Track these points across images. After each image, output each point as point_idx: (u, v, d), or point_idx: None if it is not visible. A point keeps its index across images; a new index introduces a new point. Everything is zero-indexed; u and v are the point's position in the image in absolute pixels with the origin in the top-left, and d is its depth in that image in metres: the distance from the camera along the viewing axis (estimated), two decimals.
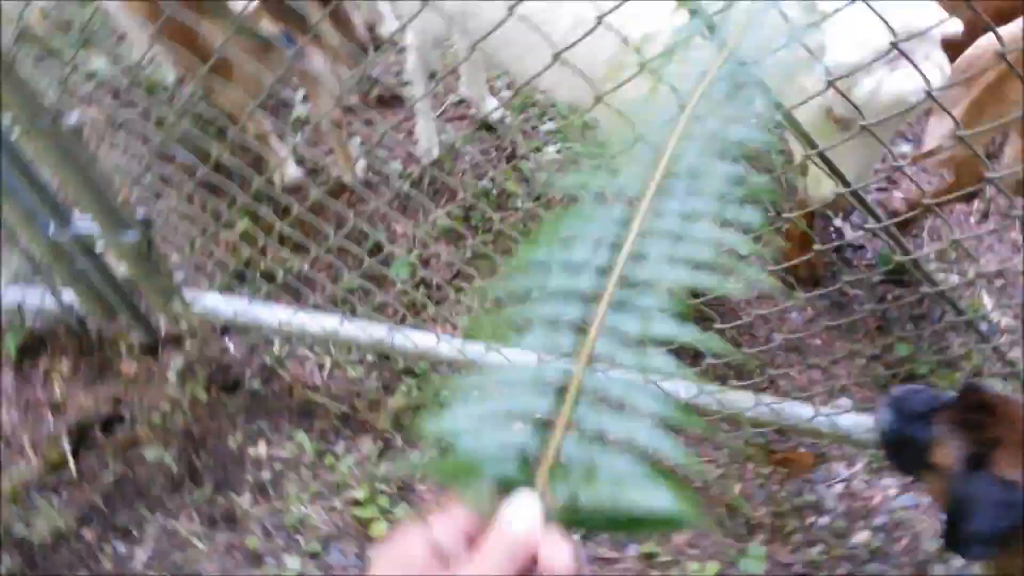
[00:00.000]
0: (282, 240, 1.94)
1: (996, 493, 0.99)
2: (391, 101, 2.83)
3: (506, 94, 2.81)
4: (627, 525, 0.44)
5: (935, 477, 1.12)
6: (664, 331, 0.49)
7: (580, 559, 0.43)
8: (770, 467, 1.85)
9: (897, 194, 2.34)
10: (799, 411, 1.61)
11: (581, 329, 0.48)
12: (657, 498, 0.42)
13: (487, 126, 2.69)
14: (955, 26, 1.25)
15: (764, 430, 1.79)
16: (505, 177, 2.48)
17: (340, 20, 1.80)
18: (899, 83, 1.15)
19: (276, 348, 2.15)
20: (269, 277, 2.11)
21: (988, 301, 2.11)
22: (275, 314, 1.89)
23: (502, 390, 0.48)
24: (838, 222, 2.31)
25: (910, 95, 1.20)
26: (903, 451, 1.17)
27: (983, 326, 2.02)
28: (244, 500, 1.96)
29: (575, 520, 0.43)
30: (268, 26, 1.83)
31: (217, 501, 1.97)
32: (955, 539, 1.02)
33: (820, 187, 1.56)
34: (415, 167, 2.54)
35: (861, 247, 2.24)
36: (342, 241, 1.70)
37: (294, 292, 2.02)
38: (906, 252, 1.38)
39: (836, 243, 2.23)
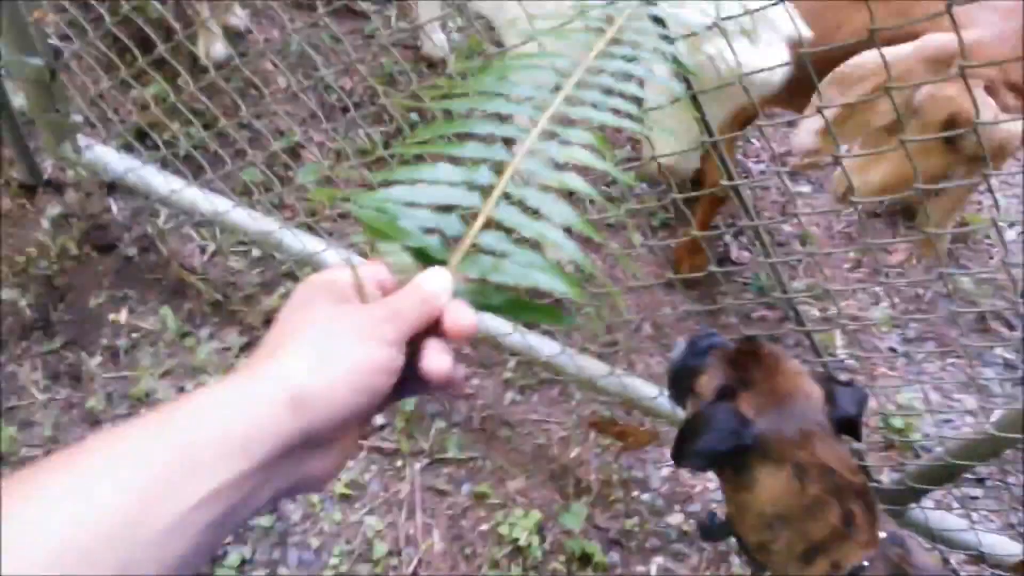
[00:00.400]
0: (195, 112, 1.90)
1: (727, 421, 1.09)
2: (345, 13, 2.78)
3: (456, 37, 2.82)
4: (522, 308, 0.53)
5: (693, 403, 1.23)
6: (578, 156, 0.58)
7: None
8: (609, 439, 1.95)
9: (788, 228, 2.48)
10: (645, 390, 1.70)
11: (510, 145, 0.58)
12: (553, 283, 0.52)
13: (431, 63, 2.69)
14: (805, 32, 1.31)
15: (610, 401, 1.88)
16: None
17: None
18: (742, 55, 1.16)
19: (161, 220, 2.11)
20: (173, 146, 2.06)
21: (840, 340, 2.27)
22: (168, 182, 1.86)
23: (436, 185, 0.55)
24: (728, 238, 2.43)
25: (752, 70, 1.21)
26: (681, 380, 1.27)
27: (829, 360, 2.18)
28: (94, 361, 1.92)
29: (480, 301, 0.52)
30: None
31: (66, 357, 1.93)
32: (680, 451, 1.12)
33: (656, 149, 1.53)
34: (353, 81, 2.52)
35: (744, 264, 2.37)
36: (256, 128, 1.68)
37: (196, 168, 1.98)
38: (784, 290, 1.49)
39: (727, 268, 2.36)
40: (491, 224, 0.54)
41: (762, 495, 1.10)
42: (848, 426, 1.15)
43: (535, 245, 0.55)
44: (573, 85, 0.63)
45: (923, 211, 1.63)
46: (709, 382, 1.20)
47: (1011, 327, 2.45)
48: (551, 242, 0.54)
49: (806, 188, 2.64)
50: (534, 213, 0.55)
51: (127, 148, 2.05)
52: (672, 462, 1.22)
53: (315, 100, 2.44)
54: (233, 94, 1.97)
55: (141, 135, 2.12)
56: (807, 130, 1.62)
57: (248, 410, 0.42)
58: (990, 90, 1.42)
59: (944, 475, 1.54)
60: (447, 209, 0.54)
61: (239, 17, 2.46)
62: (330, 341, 0.46)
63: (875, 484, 1.63)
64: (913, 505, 1.65)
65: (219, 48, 2.39)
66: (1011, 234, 2.67)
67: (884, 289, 2.44)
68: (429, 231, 0.53)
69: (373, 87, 2.49)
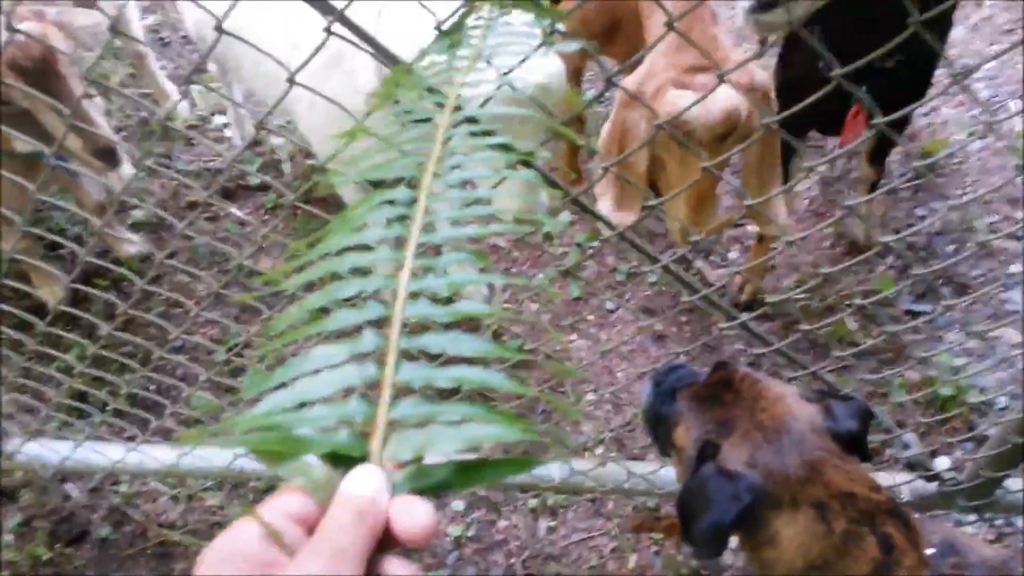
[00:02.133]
0: (124, 359, 1.77)
1: (720, 490, 0.93)
2: (238, 192, 2.69)
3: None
4: (478, 470, 0.41)
5: (678, 460, 1.07)
6: (467, 278, 0.51)
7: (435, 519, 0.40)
8: (661, 534, 1.77)
9: (751, 228, 2.34)
10: (670, 475, 1.53)
11: (386, 301, 0.49)
12: (495, 432, 0.42)
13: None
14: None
15: (645, 494, 1.71)
16: None
17: (81, 129, 1.70)
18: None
19: (124, 487, 1.95)
20: (115, 397, 1.92)
21: (853, 325, 2.11)
22: (107, 454, 1.71)
23: (321, 372, 0.45)
24: (699, 263, 2.29)
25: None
26: (656, 430, 1.12)
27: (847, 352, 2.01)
28: None
29: (425, 484, 0.41)
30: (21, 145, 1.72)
31: None
32: (689, 538, 0.96)
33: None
34: (272, 259, 2.41)
35: (723, 286, 2.22)
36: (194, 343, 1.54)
37: (142, 420, 1.84)
38: (767, 344, 1.35)
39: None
40: (400, 390, 0.44)
41: (787, 548, 0.93)
42: (852, 443, 1.00)
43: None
44: (423, 213, 0.54)
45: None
46: (687, 433, 1.04)
47: (1017, 237, 2.29)
48: (474, 382, 0.45)
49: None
50: (440, 358, 0.47)
51: (65, 425, 1.91)
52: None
53: (240, 291, 2.32)
54: (156, 321, 1.84)
55: (77, 405, 1.98)
56: (607, 207, 1.72)
57: None
58: (679, 83, 1.56)
59: (1018, 455, 1.36)
60: (344, 394, 0.44)
61: (135, 242, 2.35)
62: None
63: (955, 483, 1.45)
64: (1000, 491, 1.47)
65: (133, 246, 2.31)
66: (975, 145, 2.54)
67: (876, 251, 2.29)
68: (332, 429, 0.43)
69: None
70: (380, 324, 0.47)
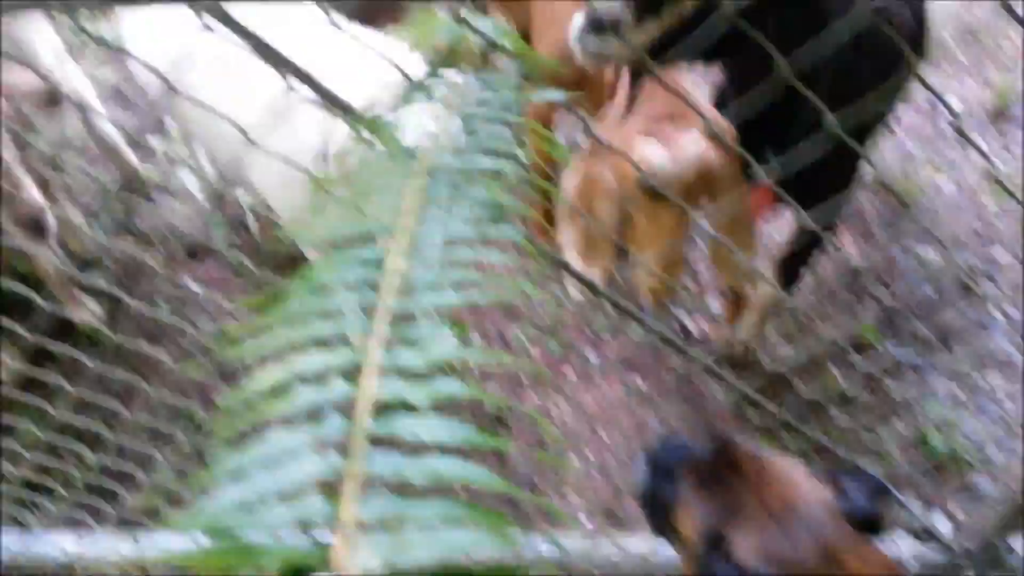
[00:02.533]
0: (80, 436, 1.66)
1: None
2: (201, 255, 2.59)
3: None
4: None
5: (682, 547, 1.00)
6: (446, 351, 0.45)
7: None
8: None
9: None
10: (668, 553, 1.45)
11: (353, 376, 0.43)
12: (478, 536, 0.37)
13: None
14: None
15: None
16: None
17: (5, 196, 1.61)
18: None
19: None
20: (70, 487, 1.80)
21: (835, 372, 2.07)
22: (58, 545, 1.59)
23: (280, 462, 0.40)
24: (684, 318, 2.24)
25: None
26: (655, 512, 1.04)
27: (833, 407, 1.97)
28: None
29: None
30: None
31: None
32: None
33: None
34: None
35: (706, 340, 2.16)
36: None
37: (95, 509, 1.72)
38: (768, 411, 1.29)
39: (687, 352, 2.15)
40: (367, 484, 0.39)
41: None
42: (867, 522, 0.94)
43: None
44: (395, 275, 0.49)
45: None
46: (689, 520, 0.97)
47: (991, 278, 2.28)
48: (455, 478, 0.39)
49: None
50: (412, 448, 0.40)
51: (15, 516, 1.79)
52: None
53: (210, 362, 2.21)
54: (113, 401, 1.73)
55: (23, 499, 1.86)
56: (574, 261, 1.66)
57: None
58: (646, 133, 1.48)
59: None
60: (300, 490, 0.39)
61: (93, 311, 2.24)
62: None
63: (965, 552, 1.39)
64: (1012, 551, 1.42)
65: (90, 311, 2.19)
66: (944, 183, 2.53)
67: (854, 295, 2.26)
68: (290, 532, 0.37)
69: None
70: (346, 405, 0.42)
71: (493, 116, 0.63)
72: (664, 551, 1.48)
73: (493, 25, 0.66)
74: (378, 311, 0.46)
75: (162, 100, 2.06)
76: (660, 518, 1.04)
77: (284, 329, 0.47)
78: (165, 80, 0.75)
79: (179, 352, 2.24)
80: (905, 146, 2.62)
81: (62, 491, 1.67)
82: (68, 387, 1.38)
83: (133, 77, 3.08)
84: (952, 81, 2.81)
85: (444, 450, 0.40)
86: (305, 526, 0.37)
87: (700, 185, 1.47)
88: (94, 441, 1.89)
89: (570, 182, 1.63)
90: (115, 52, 3.12)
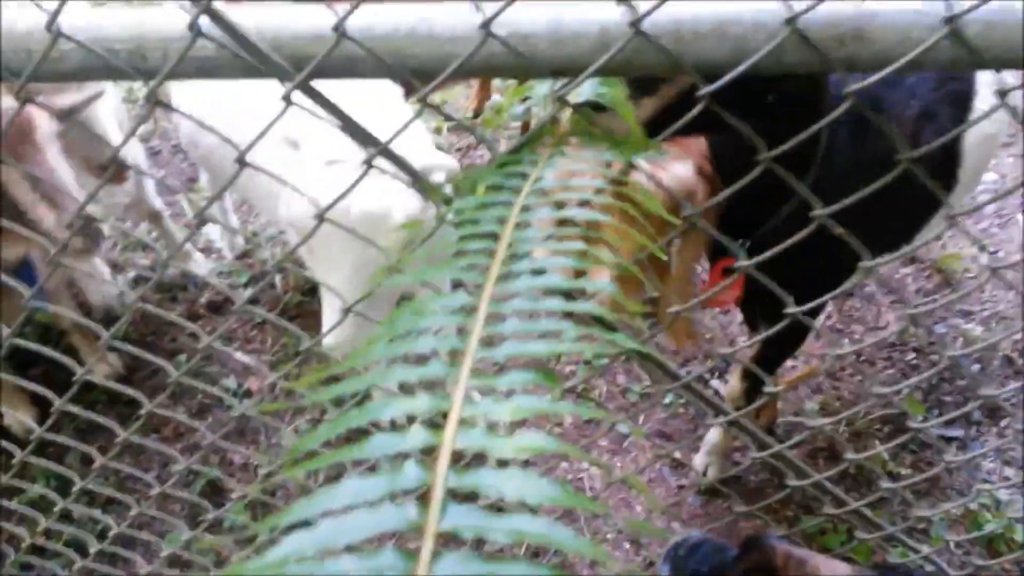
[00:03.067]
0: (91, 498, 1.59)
1: None
2: (225, 306, 2.56)
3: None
4: None
5: None
6: (535, 405, 0.41)
7: None
8: None
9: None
10: None
11: (436, 425, 0.40)
12: None
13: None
14: None
15: None
16: None
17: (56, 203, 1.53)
18: None
19: None
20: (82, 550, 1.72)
21: (887, 456, 1.98)
22: None
23: (352, 511, 0.36)
24: (715, 383, 2.17)
25: None
26: None
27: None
28: None
29: None
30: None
31: None
32: None
33: None
34: (259, 379, 2.25)
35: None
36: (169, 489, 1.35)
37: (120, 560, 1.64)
38: (805, 475, 1.20)
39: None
40: (445, 541, 0.35)
41: None
42: None
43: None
44: (483, 322, 0.46)
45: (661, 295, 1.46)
46: None
47: None
48: (537, 539, 0.35)
49: None
50: (496, 509, 0.37)
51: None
52: None
53: (224, 416, 2.15)
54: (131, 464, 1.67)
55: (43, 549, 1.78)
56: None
57: None
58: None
59: None
60: (378, 542, 0.35)
61: (111, 365, 2.20)
62: None
63: None
64: None
65: (109, 367, 2.14)
66: (983, 258, 2.47)
67: (897, 369, 2.18)
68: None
69: (282, 381, 2.23)
70: (426, 454, 0.39)
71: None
72: None
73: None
74: (465, 358, 0.42)
75: (195, 153, 2.05)
76: None
77: (368, 373, 0.44)
78: (226, 140, 0.72)
79: (198, 407, 2.19)
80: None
81: (73, 555, 1.60)
82: (85, 447, 1.32)
83: (167, 131, 3.12)
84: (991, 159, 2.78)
85: (529, 509, 0.37)
86: None
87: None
88: (106, 503, 1.83)
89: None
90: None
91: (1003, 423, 2.05)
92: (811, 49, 0.61)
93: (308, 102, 0.66)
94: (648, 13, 0.60)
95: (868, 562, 1.75)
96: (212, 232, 2.73)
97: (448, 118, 0.71)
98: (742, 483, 1.94)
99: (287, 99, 0.62)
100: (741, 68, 0.62)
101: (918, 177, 0.67)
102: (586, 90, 0.64)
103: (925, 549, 1.77)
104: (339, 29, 0.59)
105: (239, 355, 2.25)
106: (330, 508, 0.36)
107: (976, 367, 2.18)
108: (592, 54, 0.62)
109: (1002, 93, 0.63)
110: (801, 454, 1.98)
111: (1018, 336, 2.24)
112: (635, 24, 0.60)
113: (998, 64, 0.60)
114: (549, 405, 0.42)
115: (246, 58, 0.62)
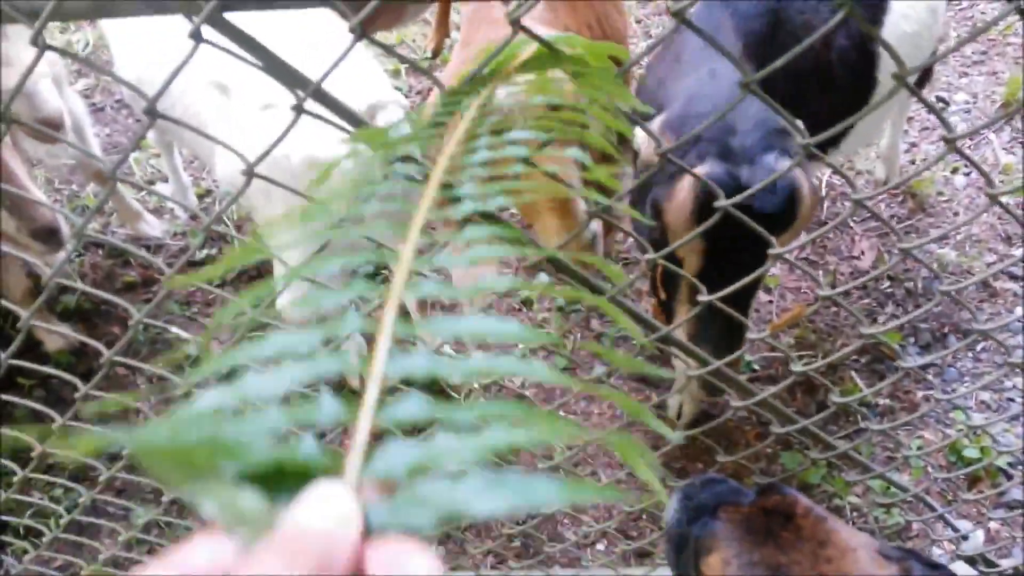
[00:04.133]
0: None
1: None
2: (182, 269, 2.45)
3: None
4: (495, 492, 0.25)
5: None
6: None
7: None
8: None
9: None
10: None
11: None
12: (527, 433, 0.27)
13: None
14: None
15: None
16: None
17: (18, 208, 1.51)
18: None
19: None
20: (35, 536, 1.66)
21: (861, 383, 1.96)
22: None
23: (282, 365, 0.31)
24: None
25: None
26: (683, 548, 0.91)
27: (864, 410, 1.86)
28: None
29: (423, 519, 0.25)
30: None
31: None
32: None
33: None
34: (217, 344, 2.17)
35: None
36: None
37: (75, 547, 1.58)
38: (790, 420, 1.15)
39: None
40: (391, 389, 0.29)
41: None
42: None
43: None
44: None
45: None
46: (721, 565, 0.83)
47: (1015, 278, 2.18)
48: (502, 372, 0.31)
49: None
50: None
51: None
52: None
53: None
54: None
55: None
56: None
57: None
58: None
59: None
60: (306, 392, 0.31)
61: (65, 334, 2.10)
62: None
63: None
64: None
65: (62, 338, 2.06)
66: (960, 180, 2.44)
67: (873, 299, 2.16)
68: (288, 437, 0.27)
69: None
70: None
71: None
72: None
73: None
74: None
75: (139, 109, 1.93)
76: (686, 557, 0.91)
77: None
78: (149, 103, 0.63)
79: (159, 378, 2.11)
80: (919, 146, 2.53)
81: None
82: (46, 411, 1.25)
83: (110, 86, 2.96)
84: (961, 78, 2.73)
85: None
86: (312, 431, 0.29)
87: None
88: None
89: None
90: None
91: (979, 347, 2.04)
92: None
93: (227, 42, 0.57)
94: None
95: (846, 492, 1.74)
96: (164, 191, 2.60)
97: (401, 59, 0.62)
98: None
99: (196, 36, 0.53)
100: None
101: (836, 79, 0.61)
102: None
103: (906, 479, 1.77)
104: None
105: (177, 333, 2.17)
106: (258, 357, 0.31)
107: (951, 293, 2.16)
108: None
109: None
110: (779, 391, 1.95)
111: (990, 259, 2.22)
112: None
113: None
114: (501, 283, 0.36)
115: None
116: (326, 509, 0.24)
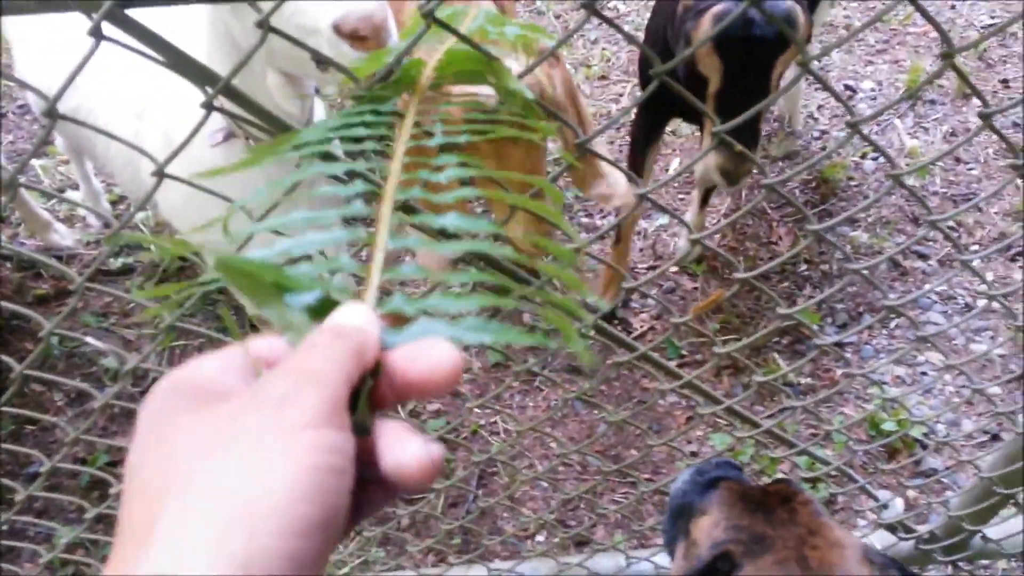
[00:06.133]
0: None
1: None
2: (96, 279, 2.37)
3: None
4: (484, 329, 0.35)
5: (684, 550, 0.89)
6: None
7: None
8: None
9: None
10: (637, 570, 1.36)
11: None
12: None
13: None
14: None
15: None
16: None
17: None
18: None
19: None
20: None
21: (783, 363, 2.02)
22: None
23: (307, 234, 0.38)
24: (620, 312, 2.16)
25: None
26: (680, 515, 0.94)
27: (787, 390, 1.92)
28: None
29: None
30: None
31: None
32: None
33: None
34: (138, 356, 2.10)
35: (648, 330, 2.09)
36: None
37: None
38: (715, 400, 1.19)
39: None
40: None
41: None
42: None
43: None
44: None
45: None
46: (710, 526, 0.85)
47: (923, 257, 2.29)
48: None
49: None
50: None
51: None
52: None
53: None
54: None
55: None
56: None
57: None
58: None
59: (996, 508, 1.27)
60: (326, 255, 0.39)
61: None
62: (222, 471, 0.28)
63: (933, 539, 1.35)
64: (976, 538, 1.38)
65: None
66: (869, 164, 2.54)
67: (791, 282, 2.23)
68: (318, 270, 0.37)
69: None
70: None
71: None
72: (635, 567, 1.38)
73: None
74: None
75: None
76: (680, 521, 0.92)
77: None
78: (49, 103, 0.60)
79: (76, 393, 2.03)
80: (829, 132, 2.62)
81: None
82: None
83: (13, 91, 2.83)
84: (867, 67, 2.84)
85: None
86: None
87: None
88: None
89: None
90: None
91: (892, 325, 2.13)
92: None
93: (134, 41, 0.55)
94: None
95: (773, 469, 1.80)
96: (75, 198, 2.50)
97: (321, 59, 0.61)
98: (650, 407, 1.95)
99: (96, 34, 0.51)
100: None
101: None
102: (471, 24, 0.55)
103: (829, 453, 1.84)
104: None
105: (95, 344, 2.09)
106: (285, 225, 0.40)
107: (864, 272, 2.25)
108: None
109: None
110: (707, 373, 2.00)
111: (900, 239, 2.32)
112: None
113: None
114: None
115: None
116: (357, 314, 0.34)
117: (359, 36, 0.84)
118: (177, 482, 0.28)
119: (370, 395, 0.32)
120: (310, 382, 0.30)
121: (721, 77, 1.43)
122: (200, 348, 2.06)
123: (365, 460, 0.31)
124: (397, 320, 0.36)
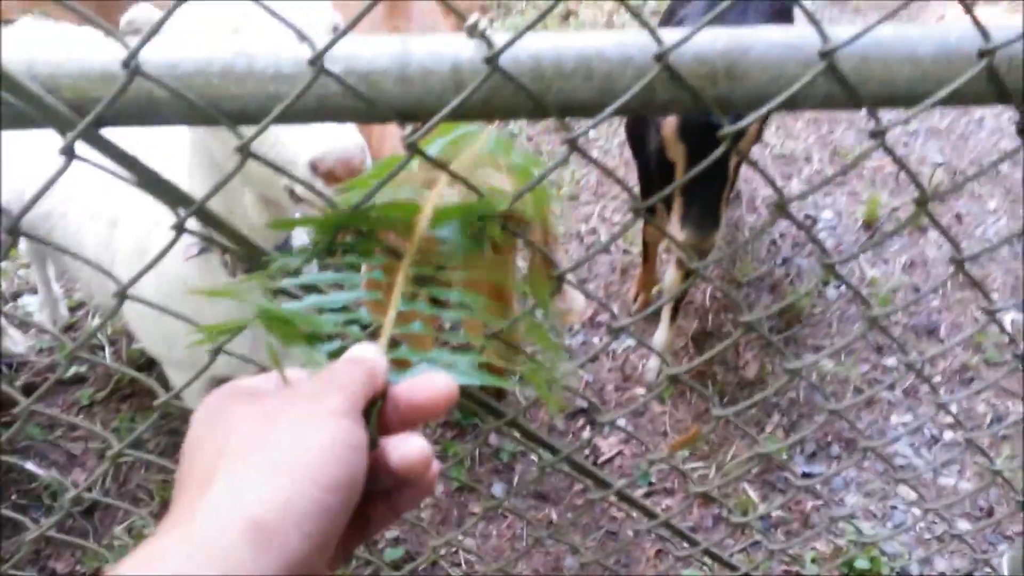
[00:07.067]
0: None
1: None
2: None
3: None
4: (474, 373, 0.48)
5: None
6: None
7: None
8: None
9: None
10: None
11: None
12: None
13: None
14: None
15: None
16: None
17: None
18: None
19: None
20: None
21: (755, 495, 1.98)
22: None
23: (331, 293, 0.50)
24: (587, 434, 2.11)
25: None
26: None
27: (759, 525, 1.87)
28: None
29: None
30: None
31: None
32: None
33: None
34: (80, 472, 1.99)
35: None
36: None
37: None
38: (693, 543, 1.15)
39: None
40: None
41: None
42: None
43: None
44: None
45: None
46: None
47: (889, 387, 2.30)
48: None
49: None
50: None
51: None
52: None
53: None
54: None
55: None
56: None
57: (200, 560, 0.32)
58: None
59: None
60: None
61: None
62: (271, 438, 0.38)
63: None
64: None
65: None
66: (832, 292, 2.59)
67: (760, 408, 2.21)
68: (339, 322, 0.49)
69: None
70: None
71: None
72: None
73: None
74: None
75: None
76: None
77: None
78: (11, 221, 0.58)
79: (12, 508, 1.90)
80: (794, 260, 2.68)
81: None
82: None
83: None
84: (826, 197, 2.94)
85: None
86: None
87: None
88: None
89: None
90: None
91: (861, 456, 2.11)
92: (683, 87, 0.56)
93: (110, 161, 0.54)
94: (506, 47, 0.52)
95: None
96: (30, 304, 2.44)
97: (291, 177, 0.60)
98: (619, 542, 1.88)
99: (68, 152, 0.49)
100: (609, 110, 0.56)
101: None
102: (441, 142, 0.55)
103: None
104: (130, 65, 0.48)
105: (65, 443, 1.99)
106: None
107: (832, 402, 2.25)
108: (444, 94, 0.54)
109: None
110: (680, 499, 1.95)
111: (865, 368, 2.33)
112: (491, 60, 0.52)
113: (873, 102, 0.56)
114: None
115: (13, 103, 0.49)
116: (370, 349, 0.45)
117: (334, 176, 0.84)
118: (233, 448, 0.37)
119: (377, 418, 0.41)
120: (336, 387, 0.40)
121: (686, 162, 1.66)
122: (147, 466, 1.97)
123: (373, 474, 0.40)
124: (402, 365, 0.45)
